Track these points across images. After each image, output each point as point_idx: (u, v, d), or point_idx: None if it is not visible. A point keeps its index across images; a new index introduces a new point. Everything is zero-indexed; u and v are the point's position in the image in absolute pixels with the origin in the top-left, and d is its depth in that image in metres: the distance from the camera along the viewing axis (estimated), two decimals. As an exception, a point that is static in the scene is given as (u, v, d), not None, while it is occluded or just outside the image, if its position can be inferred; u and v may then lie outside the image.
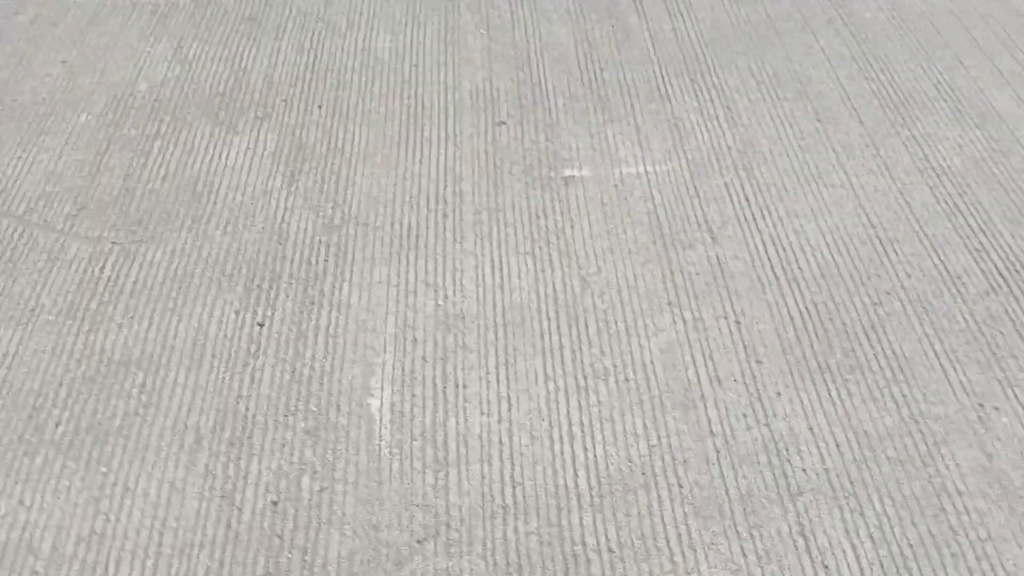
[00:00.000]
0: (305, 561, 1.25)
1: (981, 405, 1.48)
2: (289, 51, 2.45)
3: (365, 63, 2.40)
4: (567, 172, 2.00)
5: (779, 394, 1.50)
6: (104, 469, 1.38)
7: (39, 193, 1.97)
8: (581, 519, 1.31)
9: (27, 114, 2.22)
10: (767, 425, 1.45)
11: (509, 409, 1.48)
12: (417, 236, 1.84)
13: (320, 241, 1.83)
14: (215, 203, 1.94)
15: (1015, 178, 1.95)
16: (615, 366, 1.56)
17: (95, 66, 2.39)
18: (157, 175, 2.02)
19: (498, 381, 1.53)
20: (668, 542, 1.28)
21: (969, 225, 1.83)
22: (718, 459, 1.40)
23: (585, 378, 1.54)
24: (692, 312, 1.66)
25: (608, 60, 2.36)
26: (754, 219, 1.86)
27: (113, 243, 1.83)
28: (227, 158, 2.07)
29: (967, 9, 2.51)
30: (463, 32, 2.51)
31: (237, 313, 1.66)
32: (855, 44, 2.39)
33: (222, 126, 2.17)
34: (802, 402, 1.49)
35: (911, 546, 1.27)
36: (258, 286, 1.72)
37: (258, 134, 2.14)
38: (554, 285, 1.72)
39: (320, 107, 2.23)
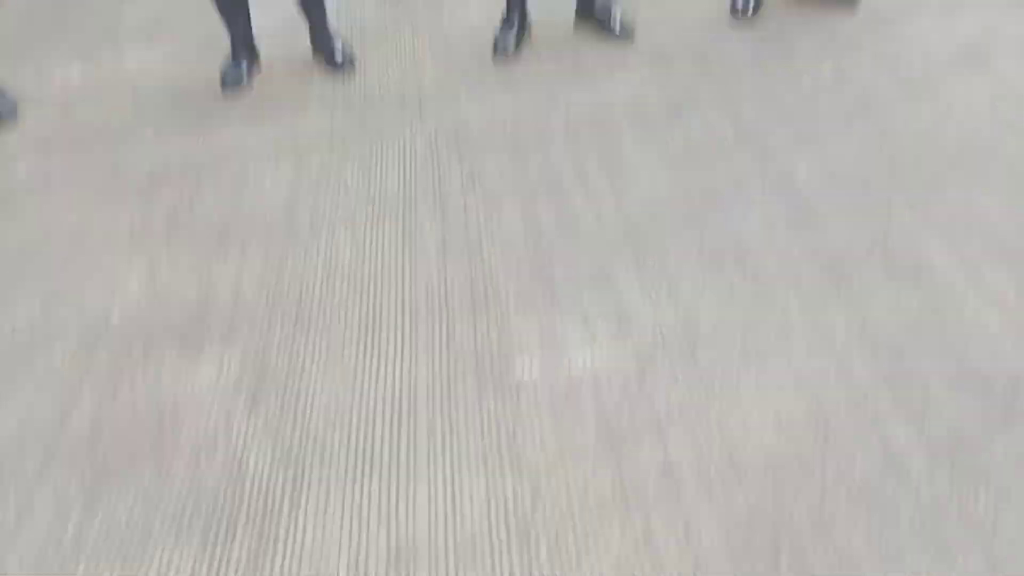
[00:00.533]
0: None
1: (932, 603, 1.47)
2: (255, 264, 2.56)
3: (327, 269, 2.50)
4: (518, 373, 2.06)
5: (728, 609, 1.50)
6: None
7: (10, 442, 2.05)
8: None
9: (2, 353, 2.32)
10: (717, 646, 1.45)
11: (460, 651, 1.49)
12: (372, 459, 1.89)
13: (279, 473, 1.88)
14: (178, 438, 2.00)
15: (950, 338, 1.98)
16: (566, 590, 1.57)
17: (72, 296, 2.50)
18: (125, 413, 2.09)
19: (450, 619, 1.54)
20: None
21: (908, 396, 1.86)
22: None
23: (536, 607, 1.55)
24: (642, 521, 1.68)
25: (556, 245, 2.46)
26: (699, 409, 1.90)
27: (79, 493, 1.89)
28: (192, 387, 2.15)
29: (897, 157, 2.61)
30: (419, 224, 2.62)
31: (192, 568, 1.70)
32: (791, 206, 2.48)
33: (189, 351, 2.26)
34: (751, 617, 1.49)
35: None
36: (215, 533, 1.76)
37: (223, 358, 2.22)
38: (506, 501, 1.75)
39: (282, 322, 2.33)
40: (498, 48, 3.30)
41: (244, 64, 3.31)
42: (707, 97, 2.97)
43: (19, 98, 3.39)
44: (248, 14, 3.28)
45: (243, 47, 3.31)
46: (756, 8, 3.33)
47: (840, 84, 2.96)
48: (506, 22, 3.33)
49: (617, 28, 3.29)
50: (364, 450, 1.91)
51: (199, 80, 3.38)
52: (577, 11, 3.41)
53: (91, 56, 3.67)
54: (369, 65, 3.39)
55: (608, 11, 3.32)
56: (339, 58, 3.32)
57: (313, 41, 3.38)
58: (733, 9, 3.36)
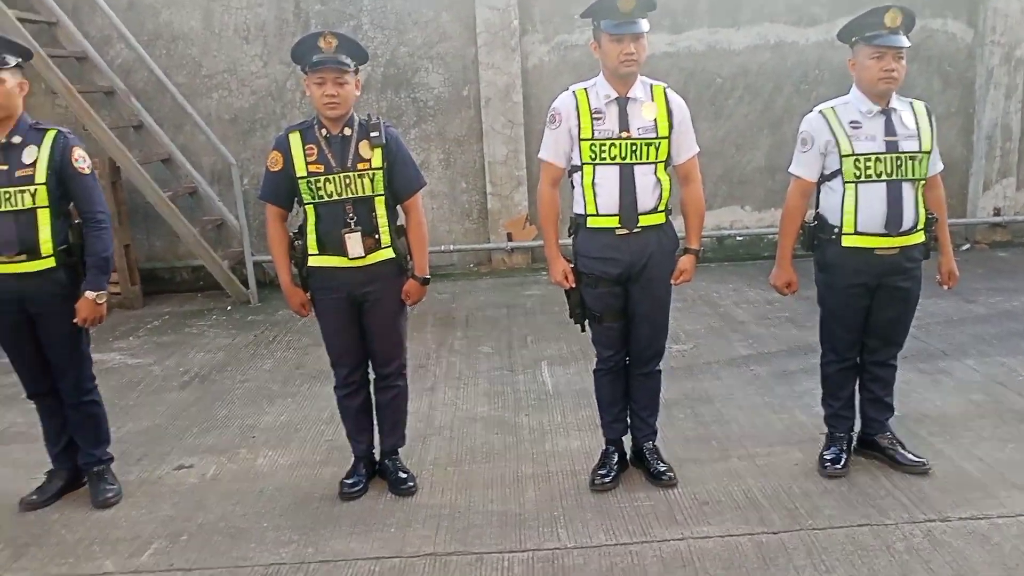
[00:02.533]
0: None
1: None
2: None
3: None
4: None
5: None
6: None
7: None
8: None
9: None
10: None
11: None
12: None
13: None
14: None
15: None
16: None
17: None
18: None
19: None
20: None
21: None
22: None
23: None
24: None
25: None
26: None
27: None
28: None
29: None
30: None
31: None
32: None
33: None
34: None
35: None
36: None
37: None
38: None
39: None
40: (595, 482, 3.55)
41: (363, 479, 3.62)
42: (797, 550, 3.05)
43: (160, 484, 3.77)
44: (372, 437, 3.68)
45: (364, 463, 3.66)
46: (845, 463, 3.55)
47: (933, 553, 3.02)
48: (605, 458, 3.62)
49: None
50: None
51: (319, 485, 3.70)
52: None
53: (227, 453, 4.09)
54: (474, 482, 3.65)
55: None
56: (402, 488, 3.59)
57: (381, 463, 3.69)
58: (822, 465, 3.57)
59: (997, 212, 7.71)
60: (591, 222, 3.36)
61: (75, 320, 3.42)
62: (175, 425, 4.48)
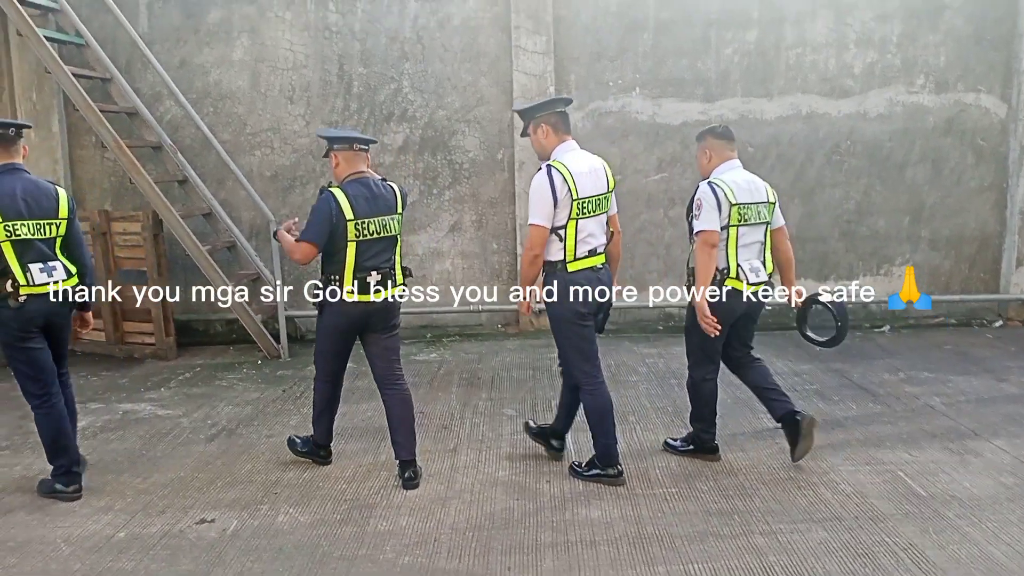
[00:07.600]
0: None
1: None
2: None
3: None
4: None
5: None
6: None
7: None
8: None
9: None
10: None
11: None
12: None
13: None
14: None
15: None
16: None
17: None
18: None
19: None
20: None
21: None
22: None
23: None
24: None
25: None
26: None
27: None
28: None
29: None
30: None
31: None
32: None
33: None
34: None
35: None
36: None
37: None
38: None
39: None
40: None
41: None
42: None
43: (181, 537, 3.80)
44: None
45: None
46: None
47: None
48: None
49: None
50: None
51: (338, 545, 3.71)
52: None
53: (249, 508, 4.12)
54: (492, 548, 3.63)
55: None
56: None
57: None
58: None
59: (1031, 288, 7.61)
60: None
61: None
62: (199, 478, 4.52)
